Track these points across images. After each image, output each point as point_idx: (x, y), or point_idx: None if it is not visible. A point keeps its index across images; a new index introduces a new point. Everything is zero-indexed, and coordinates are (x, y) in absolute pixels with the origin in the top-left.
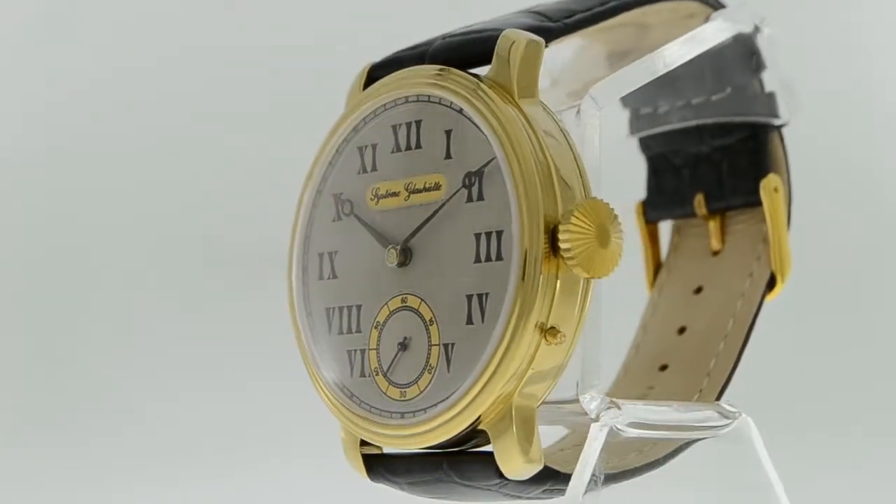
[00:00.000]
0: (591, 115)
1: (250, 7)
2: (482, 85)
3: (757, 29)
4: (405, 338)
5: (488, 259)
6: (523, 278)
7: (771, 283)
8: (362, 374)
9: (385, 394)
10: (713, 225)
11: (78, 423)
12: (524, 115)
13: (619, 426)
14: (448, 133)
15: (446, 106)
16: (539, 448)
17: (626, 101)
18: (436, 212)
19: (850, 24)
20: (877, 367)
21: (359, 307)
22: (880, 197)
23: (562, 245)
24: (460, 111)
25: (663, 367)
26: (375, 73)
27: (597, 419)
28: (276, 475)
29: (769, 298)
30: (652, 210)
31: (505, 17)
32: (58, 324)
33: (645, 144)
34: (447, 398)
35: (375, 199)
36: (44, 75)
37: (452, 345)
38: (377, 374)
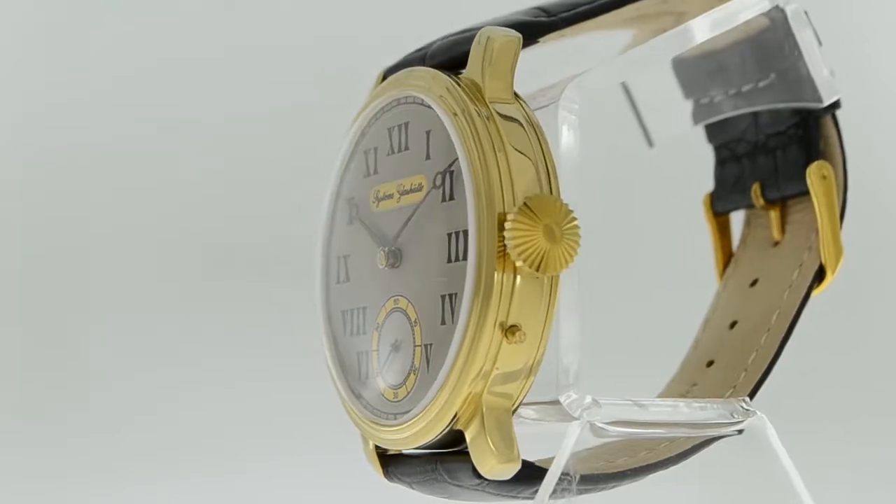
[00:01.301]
0: (567, 110)
1: (251, 8)
2: (456, 85)
3: (779, 8)
4: (396, 339)
5: (457, 259)
6: (479, 277)
7: (820, 275)
8: (367, 376)
9: (383, 395)
10: (774, 215)
11: (78, 423)
12: (490, 114)
13: (600, 425)
14: (428, 134)
15: (426, 107)
16: (515, 447)
17: (686, 91)
18: (413, 213)
19: (852, 24)
20: (877, 366)
21: (364, 309)
22: (882, 196)
23: (507, 243)
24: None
25: (710, 363)
26: (388, 76)
27: (577, 418)
28: (277, 475)
29: (817, 291)
30: (718, 201)
31: (505, 15)
32: (58, 323)
33: (710, 134)
34: (425, 399)
35: (376, 202)
36: (44, 76)
37: (431, 345)
38: (377, 376)
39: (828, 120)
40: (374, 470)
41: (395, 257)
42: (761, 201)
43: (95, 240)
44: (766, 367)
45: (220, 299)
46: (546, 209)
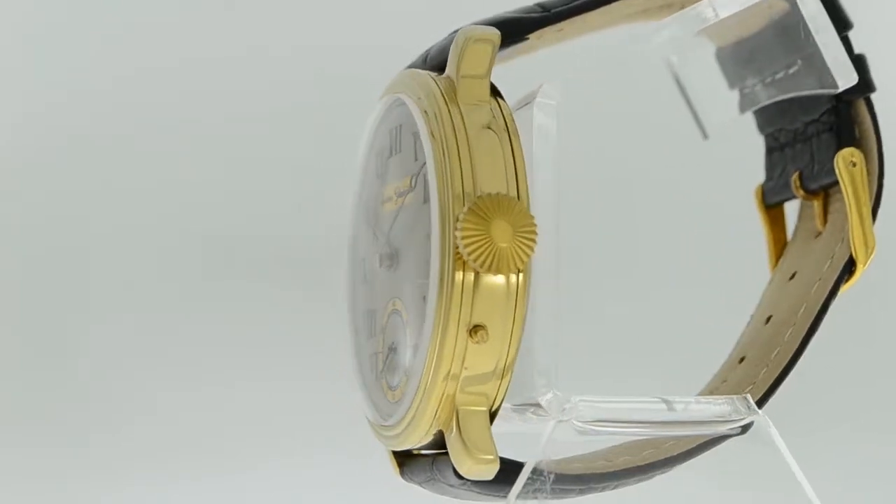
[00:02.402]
0: (541, 107)
1: (251, 8)
2: (434, 85)
3: None
4: (394, 341)
5: None
6: (441, 278)
7: (851, 268)
8: (376, 378)
9: (385, 396)
10: (817, 205)
11: (78, 423)
12: (460, 114)
13: (578, 424)
14: (414, 135)
15: (410, 108)
16: (492, 448)
17: (728, 80)
18: (397, 215)
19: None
20: (876, 366)
21: (374, 312)
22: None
23: (458, 243)
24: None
25: (742, 360)
26: None
27: (556, 419)
28: (277, 475)
29: (847, 286)
30: (767, 193)
31: (500, 13)
32: (58, 323)
33: (758, 123)
34: (406, 400)
35: (383, 204)
36: (44, 76)
37: (417, 346)
38: (382, 378)
39: (861, 105)
40: (393, 470)
41: (391, 259)
42: (801, 192)
43: (95, 240)
44: (786, 363)
45: (220, 299)
46: (498, 208)
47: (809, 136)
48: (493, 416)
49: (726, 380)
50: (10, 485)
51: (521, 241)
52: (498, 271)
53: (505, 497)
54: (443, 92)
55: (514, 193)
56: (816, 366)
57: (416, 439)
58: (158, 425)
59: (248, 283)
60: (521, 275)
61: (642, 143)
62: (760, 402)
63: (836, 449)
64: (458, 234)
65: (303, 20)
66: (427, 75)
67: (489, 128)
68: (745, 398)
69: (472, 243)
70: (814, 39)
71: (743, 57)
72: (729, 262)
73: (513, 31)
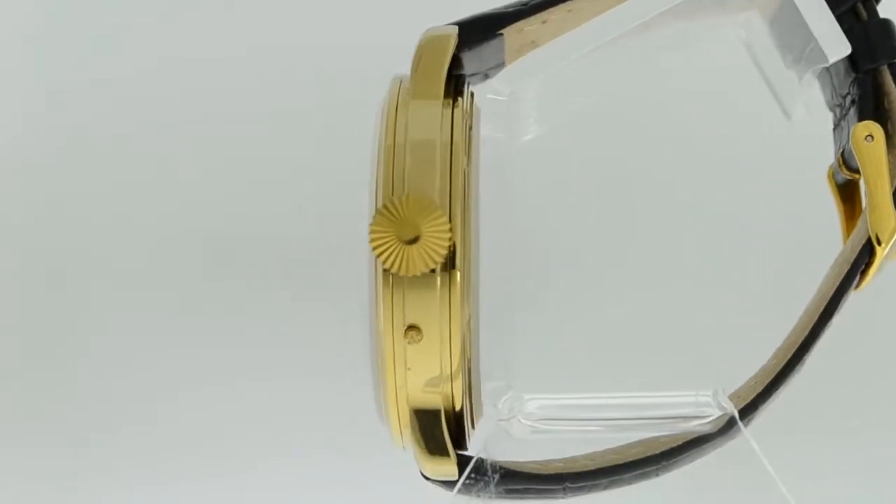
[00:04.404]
0: (489, 103)
1: (251, 8)
2: (398, 86)
3: None
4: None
5: None
6: (375, 279)
7: (871, 251)
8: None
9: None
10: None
11: (78, 423)
12: (406, 115)
13: (526, 422)
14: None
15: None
16: (446, 448)
17: (784, 60)
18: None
19: None
20: (876, 366)
21: None
22: None
23: (370, 245)
24: None
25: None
26: None
27: (504, 417)
28: (277, 475)
29: (871, 273)
30: (835, 172)
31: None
32: (58, 323)
33: (825, 100)
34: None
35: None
36: (43, 75)
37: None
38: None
39: (885, 74)
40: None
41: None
42: (844, 169)
43: (95, 239)
44: (793, 352)
45: (220, 299)
46: (409, 208)
47: (847, 110)
48: (458, 416)
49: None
50: (10, 485)
51: (431, 242)
52: (408, 271)
53: (493, 496)
54: (400, 93)
55: (438, 195)
56: (816, 366)
57: (395, 438)
58: (158, 425)
59: (248, 283)
60: (456, 274)
61: (642, 144)
62: (764, 395)
63: (835, 449)
64: (369, 235)
65: (303, 20)
66: (400, 76)
67: (429, 129)
68: (717, 392)
69: (380, 245)
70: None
71: (777, 42)
72: (729, 262)
73: (487, 26)
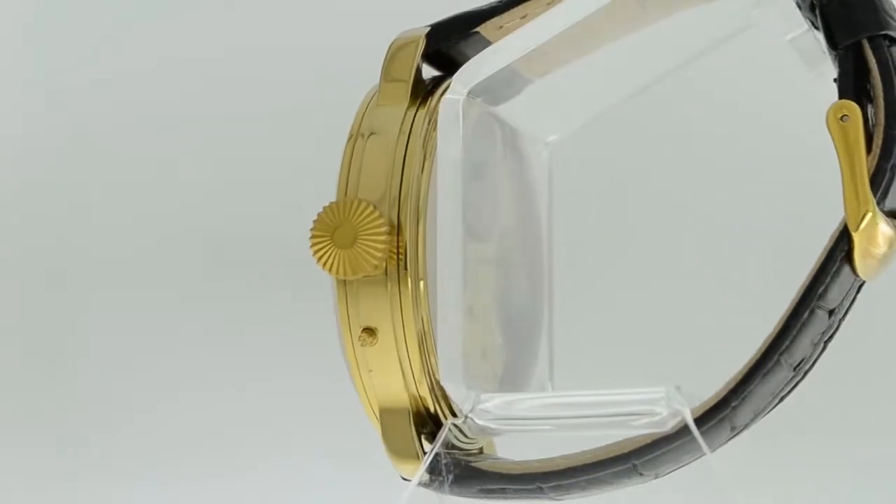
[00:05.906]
0: (448, 104)
1: (251, 8)
2: (373, 90)
3: None
4: None
5: None
6: (335, 283)
7: (848, 238)
8: None
9: None
10: None
11: (78, 423)
12: (370, 119)
13: (479, 422)
14: None
15: None
16: (414, 447)
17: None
18: None
19: None
20: (876, 365)
21: None
22: None
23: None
24: None
25: None
26: None
27: (463, 416)
28: (277, 475)
29: (856, 259)
30: None
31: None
32: (58, 323)
33: None
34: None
35: None
36: (44, 75)
37: None
38: None
39: (867, 51)
40: None
41: None
42: None
43: (95, 239)
44: (765, 349)
45: (220, 299)
46: (342, 214)
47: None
48: (434, 417)
49: None
50: (10, 485)
51: (366, 244)
52: (346, 274)
53: (473, 496)
54: (370, 97)
55: (384, 197)
56: (816, 366)
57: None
58: (159, 425)
59: (249, 283)
60: (407, 276)
61: (642, 144)
62: (735, 392)
63: (836, 449)
64: (310, 240)
65: (302, 20)
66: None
67: (387, 133)
68: (673, 389)
69: (319, 250)
70: None
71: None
72: (729, 262)
73: (461, 25)
